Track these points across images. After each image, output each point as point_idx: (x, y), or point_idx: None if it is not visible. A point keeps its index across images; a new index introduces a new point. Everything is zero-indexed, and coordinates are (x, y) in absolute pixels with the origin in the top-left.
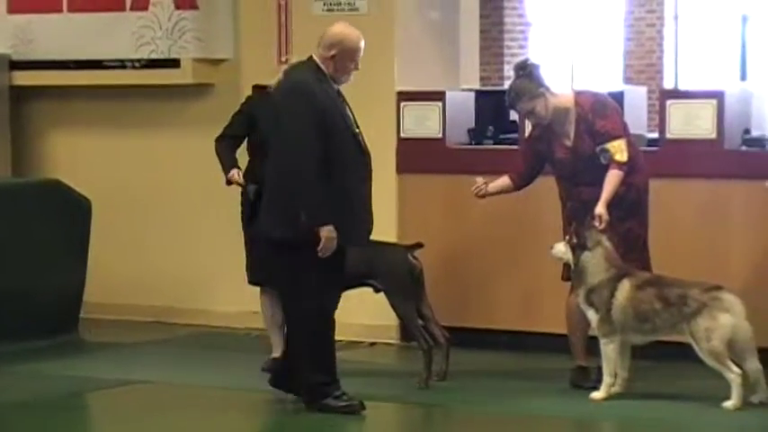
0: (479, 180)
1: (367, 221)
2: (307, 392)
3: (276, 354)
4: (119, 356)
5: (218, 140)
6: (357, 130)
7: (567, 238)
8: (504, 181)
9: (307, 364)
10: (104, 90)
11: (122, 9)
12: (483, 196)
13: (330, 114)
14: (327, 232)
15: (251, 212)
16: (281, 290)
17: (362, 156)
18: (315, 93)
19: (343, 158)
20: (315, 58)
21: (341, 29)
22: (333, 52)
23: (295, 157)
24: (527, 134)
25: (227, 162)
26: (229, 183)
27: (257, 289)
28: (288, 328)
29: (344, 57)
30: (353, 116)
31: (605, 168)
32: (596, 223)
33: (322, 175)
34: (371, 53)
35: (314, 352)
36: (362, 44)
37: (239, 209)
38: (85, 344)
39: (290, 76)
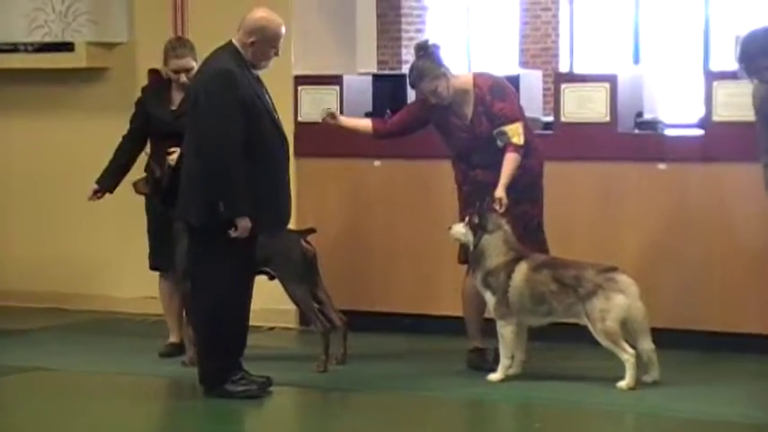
0: (331, 109)
1: (285, 211)
2: (202, 379)
3: (174, 339)
4: (16, 343)
5: (123, 137)
6: (276, 116)
7: (468, 219)
8: (364, 123)
9: (202, 350)
10: None
11: None
12: (328, 124)
13: (251, 101)
14: (245, 222)
15: (163, 198)
16: (189, 273)
17: (282, 143)
18: (236, 79)
19: (264, 146)
20: (234, 42)
21: (261, 14)
22: (252, 38)
23: (215, 146)
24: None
25: (105, 174)
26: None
27: (156, 274)
28: (188, 314)
29: (265, 43)
30: (272, 102)
31: (501, 151)
32: (496, 206)
33: (242, 163)
34: None
35: (210, 338)
36: (283, 30)
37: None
38: None
39: (210, 61)
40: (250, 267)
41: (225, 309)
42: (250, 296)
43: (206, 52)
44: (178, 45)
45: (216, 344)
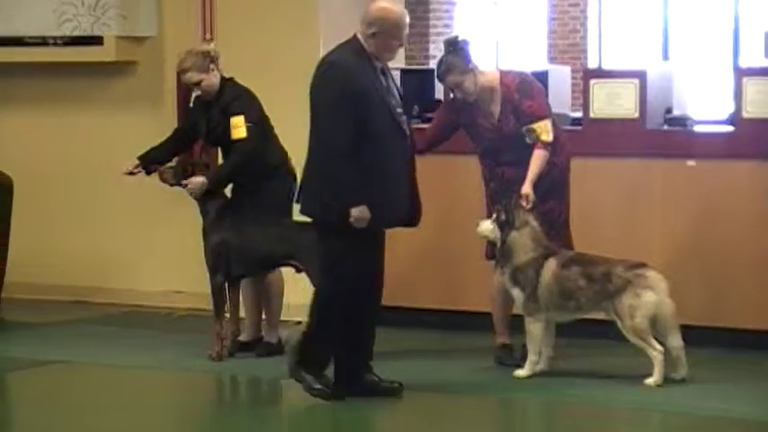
0: None
1: (399, 204)
2: (339, 377)
3: (245, 337)
4: (39, 336)
5: (175, 129)
6: (399, 110)
7: (495, 215)
8: None
9: (307, 338)
10: (26, 67)
11: None
12: None
13: (366, 94)
14: (359, 212)
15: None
16: (316, 268)
17: (401, 137)
18: (351, 70)
19: (377, 138)
20: (358, 35)
21: (382, 5)
22: (373, 30)
23: (326, 138)
24: (450, 100)
25: (149, 152)
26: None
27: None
28: (314, 309)
29: (386, 34)
30: (401, 97)
31: (528, 148)
32: (523, 203)
33: (349, 157)
34: (297, 31)
35: (327, 331)
36: (407, 20)
37: (160, 185)
38: (5, 323)
39: (328, 55)
40: (377, 261)
41: (351, 303)
42: (377, 291)
43: (234, 47)
44: (182, 61)
45: (331, 339)
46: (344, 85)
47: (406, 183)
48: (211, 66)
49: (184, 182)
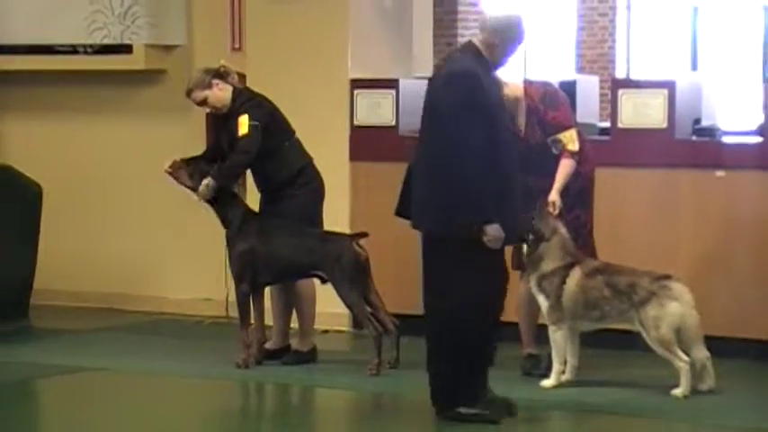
0: None
1: (518, 219)
2: (437, 397)
3: (272, 345)
4: (69, 343)
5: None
6: (509, 121)
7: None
8: None
9: (445, 369)
10: (56, 75)
11: None
12: None
13: (493, 105)
14: (495, 231)
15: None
16: (433, 287)
17: (515, 148)
18: (480, 82)
19: (505, 151)
20: (476, 43)
21: (506, 12)
22: (498, 37)
23: (461, 150)
24: None
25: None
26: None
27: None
28: (431, 330)
29: (511, 40)
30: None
31: (554, 158)
32: (550, 209)
33: (486, 169)
34: (325, 40)
35: (456, 358)
36: (526, 26)
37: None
38: (35, 330)
39: (450, 64)
40: (499, 277)
41: (469, 321)
42: (499, 309)
43: (262, 55)
44: (186, 83)
45: (460, 363)
46: (479, 96)
47: (519, 194)
48: (215, 81)
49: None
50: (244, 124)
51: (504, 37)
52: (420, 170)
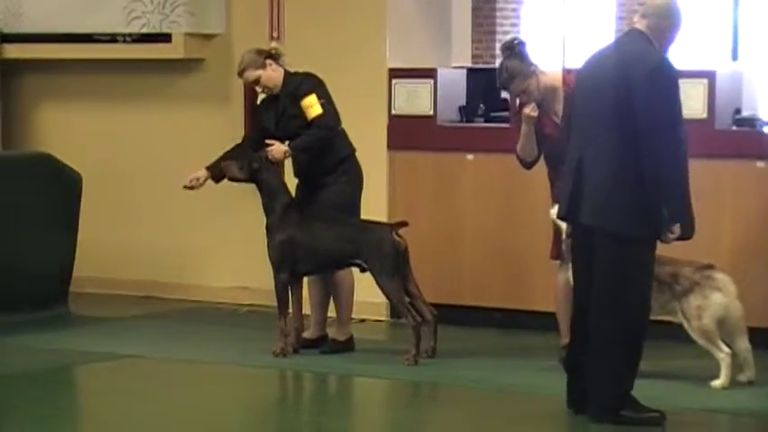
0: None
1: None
2: (602, 402)
3: (309, 334)
4: (108, 330)
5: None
6: None
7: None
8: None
9: (618, 370)
10: (95, 64)
11: None
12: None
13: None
14: (678, 228)
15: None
16: (611, 286)
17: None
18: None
19: (686, 147)
20: (641, 29)
21: None
22: (669, 21)
23: (670, 146)
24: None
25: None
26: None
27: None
28: (601, 331)
29: (677, 26)
30: None
31: None
32: None
33: (686, 165)
34: (363, 30)
35: (629, 358)
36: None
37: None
38: (75, 318)
39: (643, 52)
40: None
41: (644, 321)
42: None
43: (301, 44)
44: (239, 63)
45: (632, 366)
46: (677, 87)
47: None
48: (268, 61)
49: (266, 150)
50: (315, 104)
51: (675, 23)
52: (601, 167)
